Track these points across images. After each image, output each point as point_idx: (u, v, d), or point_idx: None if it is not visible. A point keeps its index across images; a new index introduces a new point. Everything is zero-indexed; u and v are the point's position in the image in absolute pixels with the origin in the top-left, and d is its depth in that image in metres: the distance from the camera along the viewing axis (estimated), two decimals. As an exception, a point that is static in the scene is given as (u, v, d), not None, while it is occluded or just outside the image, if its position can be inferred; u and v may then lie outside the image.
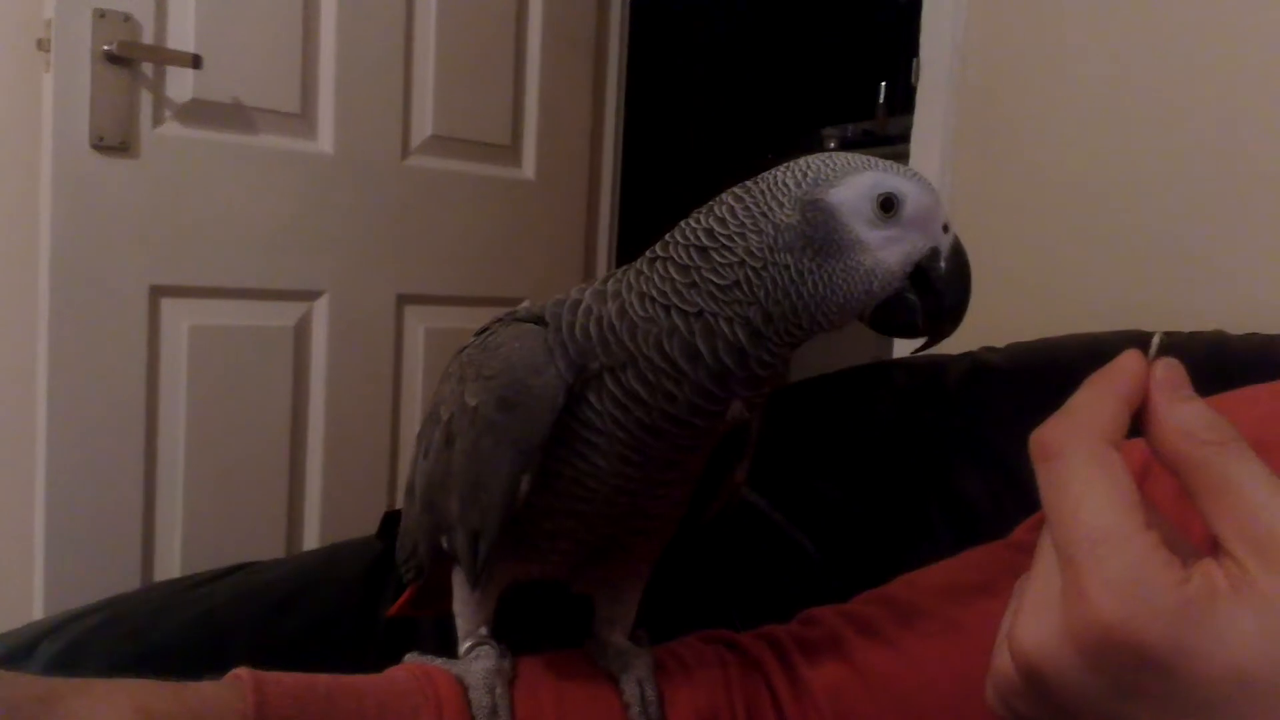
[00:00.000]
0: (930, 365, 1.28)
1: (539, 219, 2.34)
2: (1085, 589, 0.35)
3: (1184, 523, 0.40)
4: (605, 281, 0.59)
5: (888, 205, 0.54)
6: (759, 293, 0.54)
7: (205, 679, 0.57)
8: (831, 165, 0.55)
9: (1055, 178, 1.63)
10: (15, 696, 0.48)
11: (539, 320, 0.59)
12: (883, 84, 3.36)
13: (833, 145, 3.54)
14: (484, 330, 0.62)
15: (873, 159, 0.56)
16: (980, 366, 1.27)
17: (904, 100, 2.16)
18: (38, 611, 1.70)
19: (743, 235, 0.55)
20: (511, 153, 2.29)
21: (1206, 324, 1.19)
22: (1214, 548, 0.36)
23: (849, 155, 0.56)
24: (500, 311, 2.09)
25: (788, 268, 0.54)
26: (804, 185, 0.55)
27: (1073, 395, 0.40)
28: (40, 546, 1.73)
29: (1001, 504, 1.12)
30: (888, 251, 0.54)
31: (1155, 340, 0.41)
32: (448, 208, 2.17)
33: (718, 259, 0.55)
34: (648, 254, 0.59)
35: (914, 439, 1.23)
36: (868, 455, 1.23)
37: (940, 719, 0.64)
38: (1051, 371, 1.21)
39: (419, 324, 2.17)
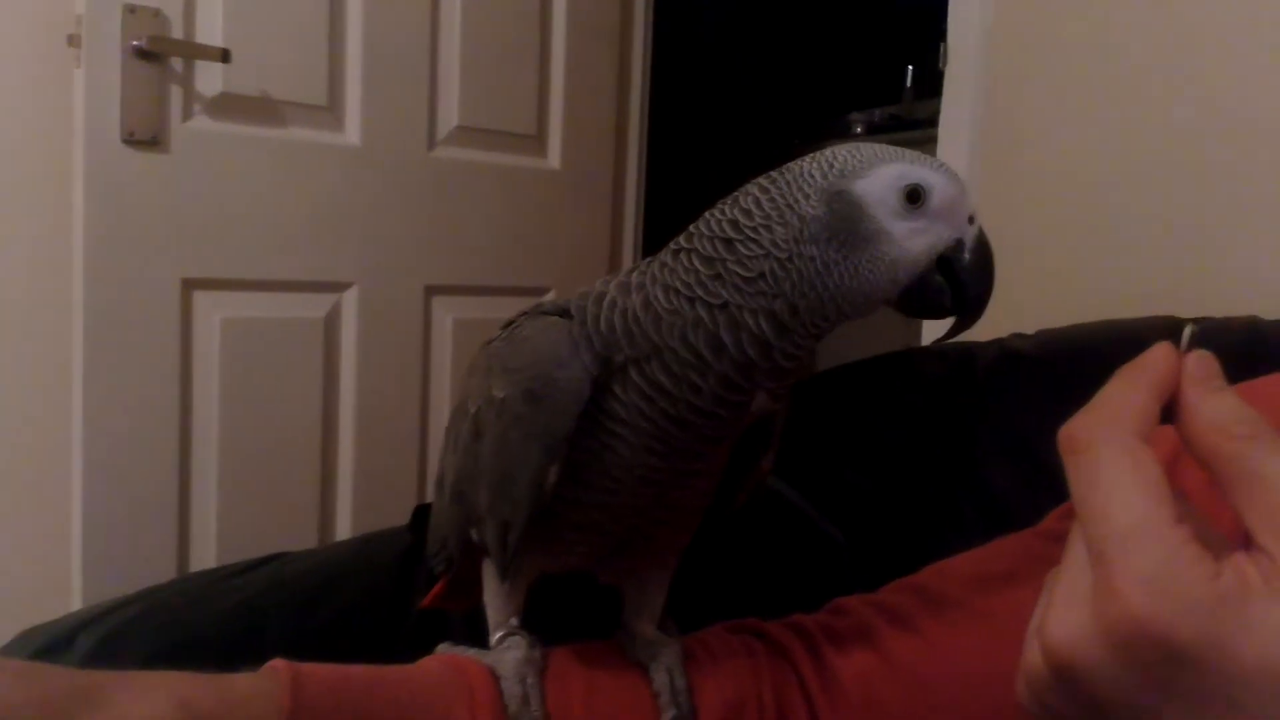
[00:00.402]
0: (959, 353, 1.27)
1: (565, 208, 2.35)
2: (1116, 584, 0.35)
3: (1214, 512, 0.39)
4: (630, 274, 0.60)
5: (914, 196, 0.54)
6: (784, 285, 0.54)
7: (242, 669, 0.58)
8: (858, 156, 0.55)
9: (1086, 163, 1.61)
10: (59, 689, 0.49)
11: (564, 313, 0.60)
12: (909, 68, 3.33)
13: (859, 130, 3.52)
14: (510, 323, 0.63)
15: (899, 149, 0.56)
16: (1009, 354, 1.26)
17: (931, 84, 2.14)
18: (76, 602, 1.73)
19: (768, 227, 0.55)
20: (537, 142, 2.30)
21: (1240, 310, 1.18)
22: (1246, 541, 0.35)
23: (875, 145, 0.56)
24: (527, 301, 2.09)
25: (813, 259, 0.54)
26: (830, 176, 0.55)
27: (1102, 388, 0.40)
28: (78, 538, 1.75)
29: (1031, 492, 1.11)
30: (913, 242, 0.55)
31: (1187, 331, 0.40)
32: (474, 198, 2.18)
33: (743, 251, 0.55)
34: (671, 245, 0.59)
35: (943, 427, 1.22)
36: (896, 444, 1.23)
37: (969, 708, 0.64)
38: (1081, 359, 1.20)
39: (447, 314, 2.18)
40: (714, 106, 4.01)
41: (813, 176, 0.55)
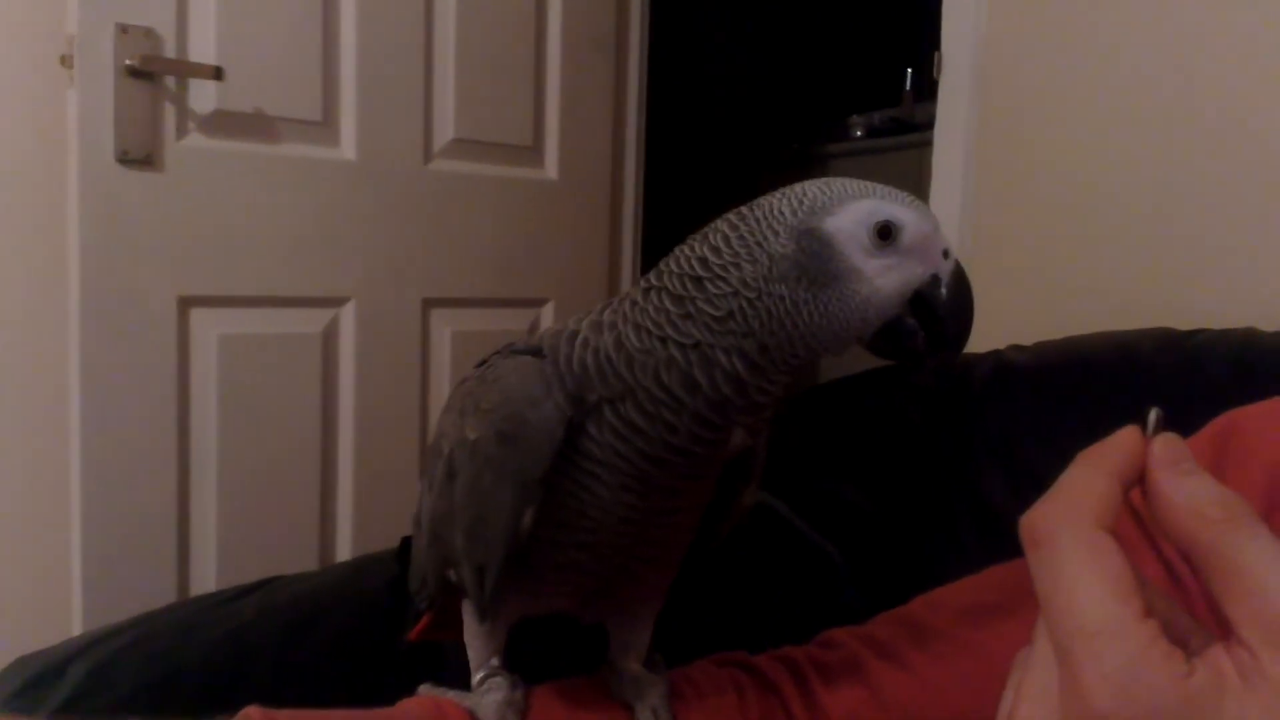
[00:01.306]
0: (956, 365, 1.26)
1: (563, 219, 2.34)
2: (1082, 683, 0.34)
3: (1188, 591, 0.39)
4: (602, 311, 0.59)
5: (885, 233, 0.53)
6: (754, 323, 0.53)
7: (231, 699, 0.58)
8: (828, 192, 0.54)
9: (1082, 173, 1.60)
10: None
11: (536, 352, 0.59)
12: (909, 71, 3.32)
13: (859, 133, 3.52)
14: (483, 363, 0.62)
15: (871, 185, 0.56)
16: (1006, 366, 1.26)
17: (931, 87, 2.13)
18: (76, 621, 1.73)
19: (737, 265, 0.54)
20: (534, 153, 2.29)
21: (1238, 321, 1.17)
22: (1225, 632, 0.35)
23: (846, 181, 0.55)
24: (526, 313, 2.07)
25: (783, 299, 0.53)
26: (800, 214, 0.54)
27: (1064, 473, 0.39)
28: (77, 557, 1.75)
29: (1027, 506, 1.10)
30: (885, 279, 0.54)
31: (1153, 415, 0.39)
32: (471, 210, 2.17)
33: (712, 289, 0.54)
34: (641, 283, 0.58)
35: (939, 441, 1.22)
36: (892, 458, 1.22)
37: None
38: (1079, 371, 1.20)
39: (445, 327, 2.17)
40: (712, 113, 4.00)
41: (782, 214, 0.54)
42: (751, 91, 4.08)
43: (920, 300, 0.55)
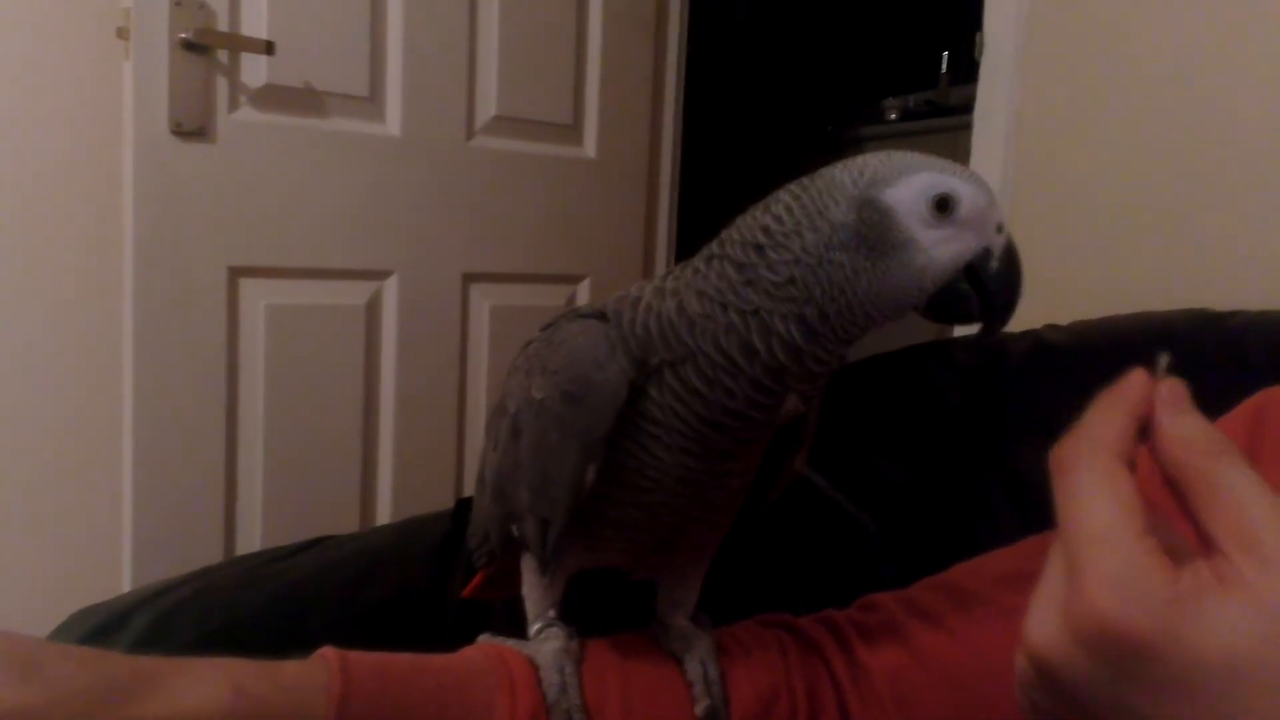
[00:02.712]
0: (992, 344, 1.27)
1: (600, 197, 2.36)
2: (1084, 585, 0.38)
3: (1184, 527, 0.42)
4: (664, 278, 0.61)
5: (943, 205, 0.55)
6: (814, 290, 0.55)
7: (289, 650, 0.60)
8: (889, 164, 0.56)
9: (1122, 154, 1.60)
10: (120, 675, 0.51)
11: (600, 316, 0.61)
12: (945, 53, 3.30)
13: (894, 116, 3.50)
14: (549, 325, 0.64)
15: (930, 158, 0.57)
16: (1042, 345, 1.27)
17: (967, 70, 2.13)
18: (125, 583, 1.78)
19: (799, 233, 0.56)
20: (573, 132, 2.31)
21: (1276, 303, 1.17)
22: (1206, 548, 0.38)
23: (907, 154, 0.57)
24: (564, 289, 2.10)
25: (842, 265, 0.55)
26: (860, 184, 0.56)
27: (1085, 413, 0.43)
28: (128, 520, 1.80)
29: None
30: (941, 250, 0.55)
31: (1163, 360, 0.43)
32: (511, 187, 2.20)
33: (773, 256, 0.56)
34: (704, 251, 0.60)
35: (976, 418, 1.23)
36: (929, 434, 1.24)
37: (997, 704, 0.65)
38: (1115, 351, 1.20)
39: (484, 301, 2.21)
40: (749, 94, 3.99)
41: (843, 183, 0.56)
42: (787, 73, 4.07)
43: (972, 272, 0.57)
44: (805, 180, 0.58)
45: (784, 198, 0.58)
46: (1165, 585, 0.37)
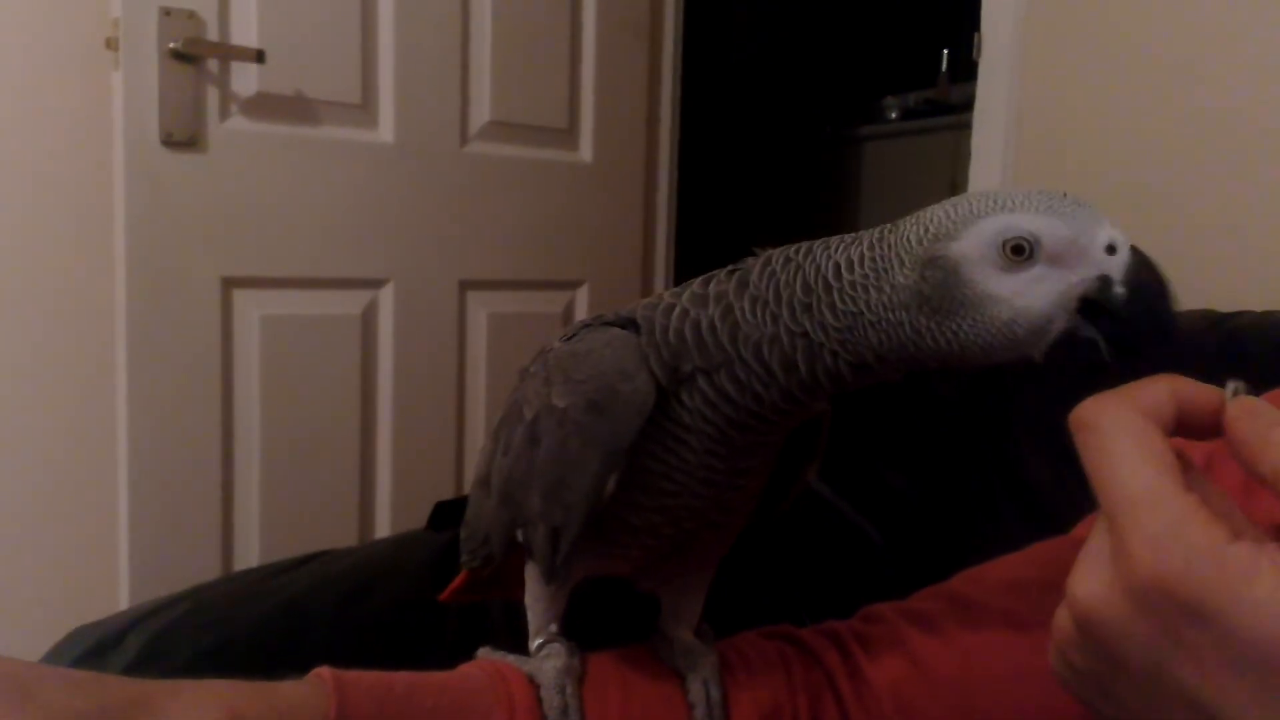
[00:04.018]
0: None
1: (597, 201, 2.35)
2: (1129, 546, 0.37)
3: (1250, 513, 0.40)
4: (704, 285, 0.60)
5: (1019, 251, 0.50)
6: (871, 341, 0.54)
7: (285, 668, 0.59)
8: (954, 215, 0.52)
9: (1122, 153, 1.60)
10: (115, 698, 0.50)
11: (627, 323, 0.60)
12: (945, 51, 3.30)
13: (894, 115, 3.50)
14: (571, 335, 0.63)
15: (1005, 196, 0.53)
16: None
17: (967, 68, 2.12)
18: (124, 597, 1.77)
19: (865, 289, 0.54)
20: (569, 136, 2.30)
21: (1279, 304, 1.17)
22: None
23: (980, 197, 0.53)
24: (561, 295, 2.09)
25: (903, 325, 0.53)
26: (925, 241, 0.53)
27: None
28: (124, 534, 1.79)
29: (1068, 489, 1.10)
30: (1030, 297, 0.50)
31: (1236, 386, 0.41)
32: (507, 193, 2.19)
33: (837, 302, 0.54)
34: (762, 256, 0.58)
35: (979, 424, 1.22)
36: (932, 440, 1.23)
37: (999, 714, 0.64)
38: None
39: (481, 309, 2.20)
40: (747, 95, 3.99)
41: (909, 242, 0.53)
42: (785, 74, 4.07)
43: (1097, 307, 0.51)
44: (887, 228, 0.56)
45: (865, 241, 0.55)
46: (1215, 547, 0.35)
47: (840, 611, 0.77)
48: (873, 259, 0.54)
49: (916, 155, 3.21)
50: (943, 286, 0.51)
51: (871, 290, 0.53)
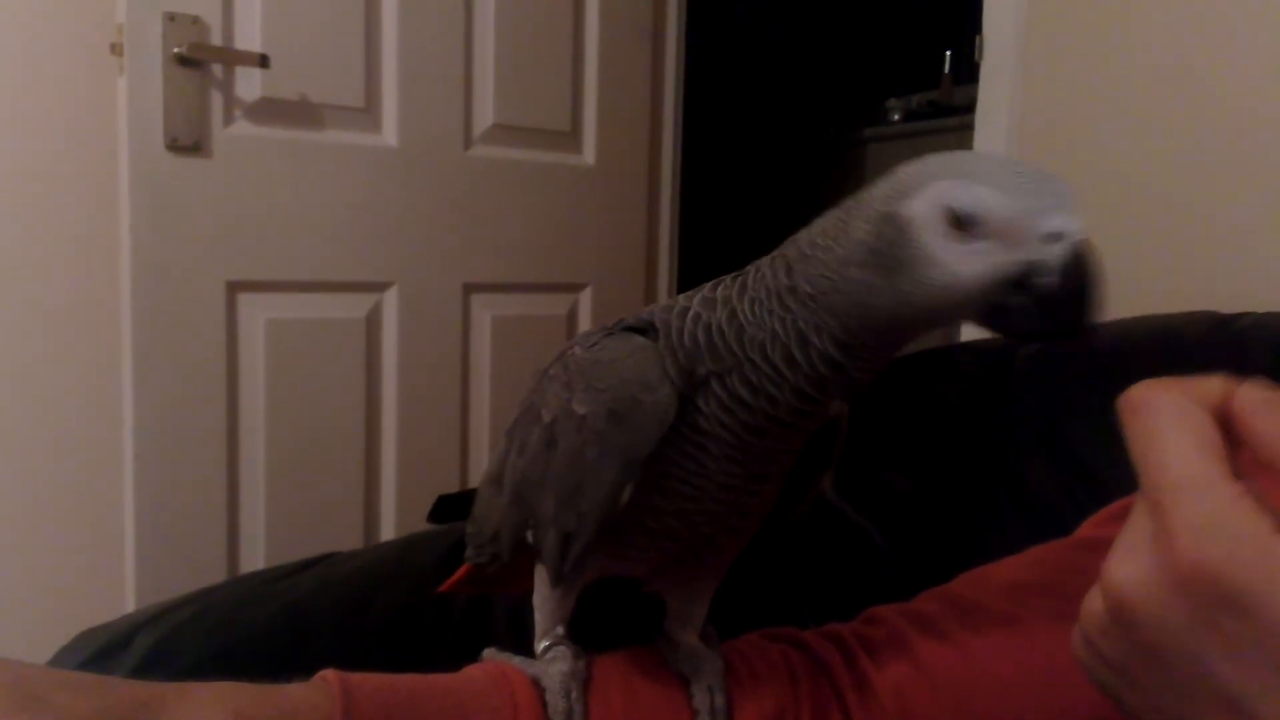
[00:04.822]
0: (997, 350, 1.26)
1: (601, 204, 2.36)
2: (1173, 530, 0.36)
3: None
4: (715, 288, 0.60)
5: (960, 220, 0.50)
6: (837, 306, 0.54)
7: (291, 670, 0.59)
8: (916, 174, 0.52)
9: (1125, 154, 1.60)
10: (121, 701, 0.50)
11: (647, 328, 0.60)
12: (948, 53, 3.30)
13: (897, 117, 3.50)
14: (593, 343, 0.62)
15: (970, 161, 0.52)
16: (1049, 350, 1.26)
17: (970, 70, 2.13)
18: (130, 600, 1.78)
19: (830, 248, 0.54)
20: (572, 139, 2.31)
21: (1282, 305, 1.16)
22: None
23: (946, 159, 0.53)
24: (565, 298, 2.09)
25: (859, 283, 0.53)
26: (886, 199, 0.53)
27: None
28: (130, 538, 1.80)
29: (1071, 492, 1.11)
30: (966, 267, 0.50)
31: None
32: (510, 196, 2.20)
33: (811, 269, 0.55)
34: (771, 255, 0.59)
35: (982, 426, 1.22)
36: (935, 443, 1.23)
37: (1001, 716, 0.64)
38: (1121, 355, 1.19)
39: (485, 311, 2.20)
40: (750, 97, 3.99)
41: (874, 197, 0.53)
42: (788, 76, 4.07)
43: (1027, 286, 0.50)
44: (858, 193, 0.56)
45: (837, 209, 0.56)
46: (1258, 537, 0.34)
47: (843, 613, 0.77)
48: (840, 220, 0.55)
49: (919, 157, 3.19)
50: (892, 244, 0.51)
51: (836, 249, 0.54)
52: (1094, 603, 0.40)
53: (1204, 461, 0.37)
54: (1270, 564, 0.34)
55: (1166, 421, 0.38)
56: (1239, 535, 0.35)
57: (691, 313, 0.59)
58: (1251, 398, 0.39)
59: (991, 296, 0.51)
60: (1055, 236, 0.49)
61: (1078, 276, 0.49)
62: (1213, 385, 0.39)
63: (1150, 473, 0.38)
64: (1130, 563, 0.38)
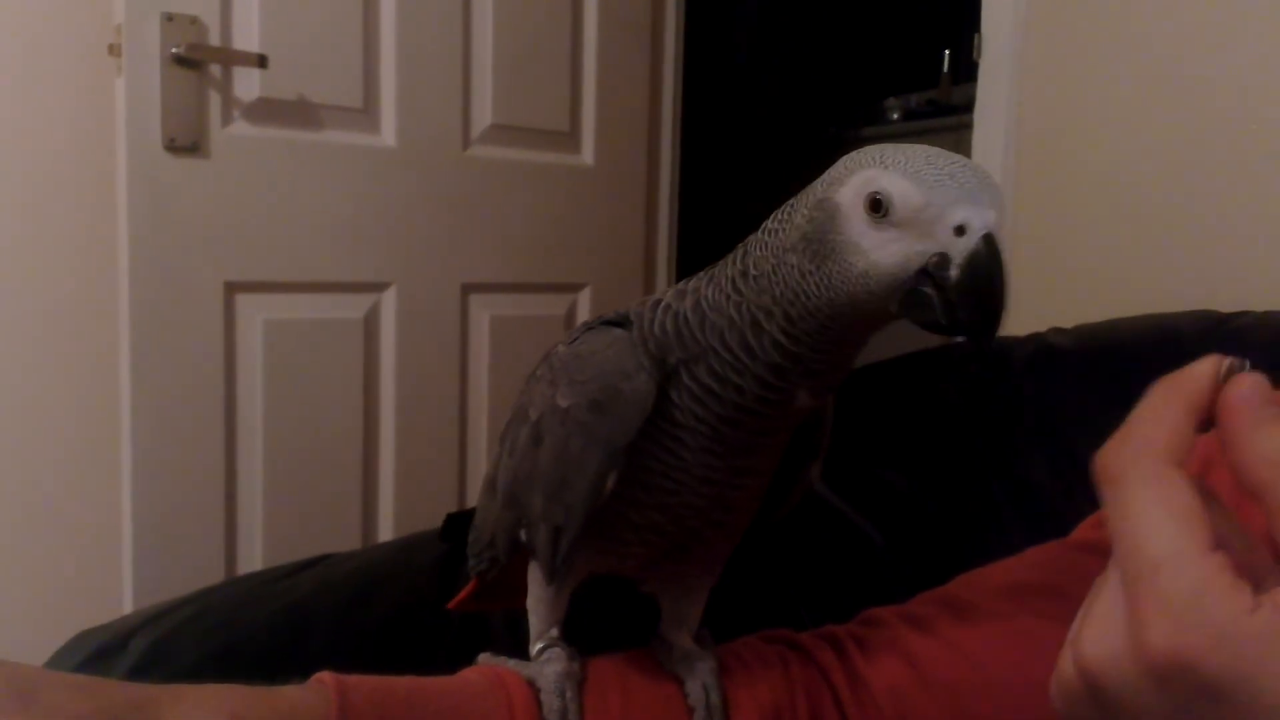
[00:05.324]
0: (996, 348, 1.27)
1: (599, 204, 2.36)
2: (1145, 614, 0.35)
3: (1244, 516, 0.39)
4: (688, 281, 0.61)
5: (875, 206, 0.51)
6: (776, 290, 0.55)
7: (289, 671, 0.59)
8: (856, 161, 0.53)
9: (1124, 154, 1.60)
10: (116, 702, 0.50)
11: (624, 322, 0.61)
12: (946, 52, 3.30)
13: (896, 116, 3.49)
14: (575, 339, 0.63)
15: (901, 154, 0.52)
16: (1047, 349, 1.26)
17: (969, 69, 2.12)
18: (127, 602, 1.78)
19: (775, 232, 0.56)
20: (570, 139, 2.31)
21: (1281, 304, 1.16)
22: None
23: (880, 150, 0.53)
24: (563, 298, 2.10)
25: (793, 267, 0.54)
26: (822, 186, 0.55)
27: (1138, 404, 0.39)
28: (128, 539, 1.80)
29: (1069, 490, 1.11)
30: (883, 254, 0.51)
31: (1229, 363, 0.39)
32: (509, 196, 2.19)
33: (758, 252, 0.56)
34: (738, 247, 0.60)
35: (980, 424, 1.22)
36: (933, 441, 1.23)
37: (997, 717, 0.64)
38: (1120, 353, 1.20)
39: (483, 312, 2.20)
40: (748, 97, 3.99)
41: (816, 185, 0.55)
42: (786, 75, 4.07)
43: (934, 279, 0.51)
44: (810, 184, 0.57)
45: (793, 198, 0.57)
46: (1239, 617, 0.33)
47: (840, 614, 0.77)
48: (790, 206, 0.56)
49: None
50: (821, 229, 0.53)
51: (780, 234, 0.55)
52: (1069, 668, 0.39)
53: (1178, 537, 0.35)
54: (1245, 650, 0.33)
55: (1139, 493, 0.37)
56: (1213, 620, 0.34)
57: (663, 304, 0.60)
58: (1241, 405, 0.38)
59: (906, 286, 0.51)
60: (960, 230, 0.50)
61: (977, 272, 0.50)
62: (1177, 425, 0.38)
63: (1125, 549, 0.37)
64: (1104, 641, 0.37)
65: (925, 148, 0.53)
